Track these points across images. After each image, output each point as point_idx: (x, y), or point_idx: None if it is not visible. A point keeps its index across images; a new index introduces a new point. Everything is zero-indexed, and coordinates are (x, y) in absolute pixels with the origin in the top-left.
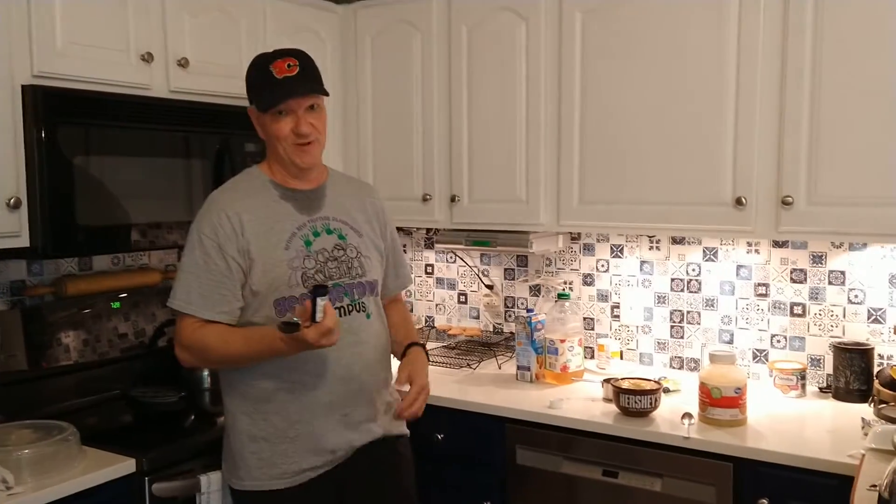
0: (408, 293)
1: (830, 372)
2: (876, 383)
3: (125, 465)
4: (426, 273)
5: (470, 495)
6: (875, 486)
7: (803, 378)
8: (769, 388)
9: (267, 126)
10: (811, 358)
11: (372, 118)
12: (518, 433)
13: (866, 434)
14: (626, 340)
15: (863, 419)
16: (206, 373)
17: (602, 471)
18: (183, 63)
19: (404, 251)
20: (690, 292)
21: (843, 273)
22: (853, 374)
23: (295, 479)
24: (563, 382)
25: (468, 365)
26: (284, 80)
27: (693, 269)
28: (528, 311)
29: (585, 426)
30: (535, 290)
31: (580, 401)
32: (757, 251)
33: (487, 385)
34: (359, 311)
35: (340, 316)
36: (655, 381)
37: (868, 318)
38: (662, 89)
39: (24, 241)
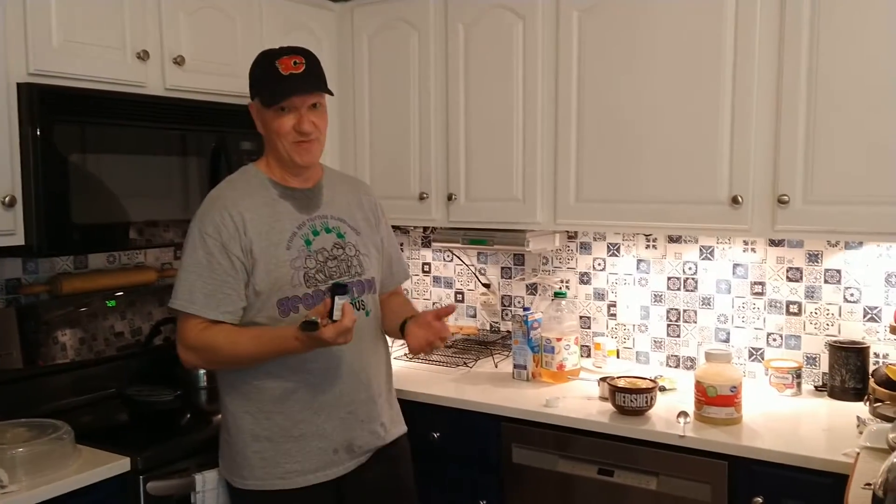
0: (405, 291)
1: (826, 370)
2: (871, 382)
3: (120, 464)
4: (423, 272)
5: (466, 494)
6: (870, 484)
7: (799, 376)
8: (765, 387)
9: (269, 122)
10: (807, 356)
11: (369, 116)
12: (514, 432)
13: (861, 433)
14: (623, 339)
15: (858, 418)
16: (201, 371)
17: (598, 469)
18: (179, 61)
19: (401, 249)
20: (687, 291)
21: (838, 272)
22: (849, 372)
23: (297, 480)
24: (559, 381)
25: (465, 363)
26: (290, 76)
27: (689, 268)
28: (525, 309)
29: (581, 425)
30: (532, 289)
31: (576, 399)
32: (753, 250)
33: (484, 384)
34: (359, 310)
35: None
36: (651, 380)
37: (864, 317)
38: (659, 88)
39: (19, 240)
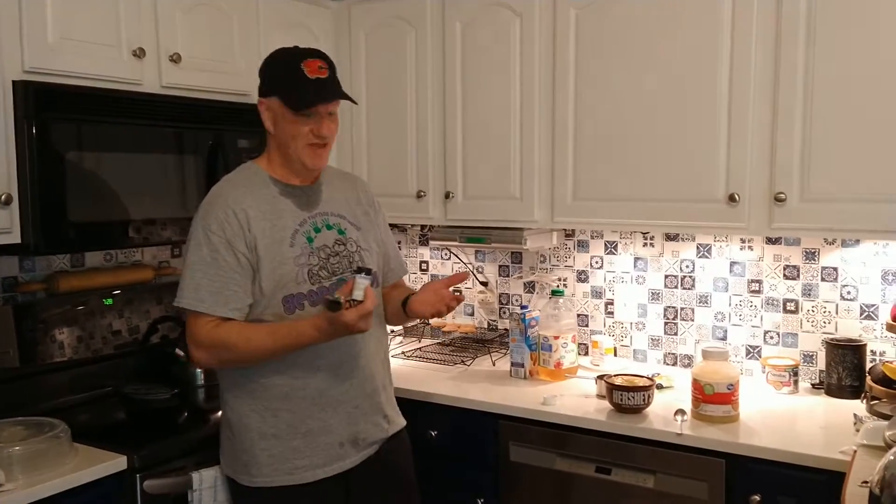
0: None
1: (823, 368)
2: (868, 379)
3: (116, 462)
4: (421, 270)
5: (463, 492)
6: (866, 482)
7: (796, 374)
8: (762, 385)
9: (285, 123)
10: (804, 354)
11: (366, 115)
12: (512, 430)
13: (858, 430)
14: (620, 337)
15: (855, 415)
16: (199, 370)
17: (595, 467)
18: (175, 59)
19: (399, 248)
20: (684, 289)
21: (835, 269)
22: (846, 370)
23: (305, 475)
24: (556, 379)
25: (462, 362)
26: (317, 80)
27: (687, 266)
28: (523, 307)
29: (579, 423)
30: (530, 287)
31: (574, 397)
32: (750, 248)
33: (481, 382)
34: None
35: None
36: (648, 378)
37: (861, 315)
38: (656, 86)
39: (15, 238)
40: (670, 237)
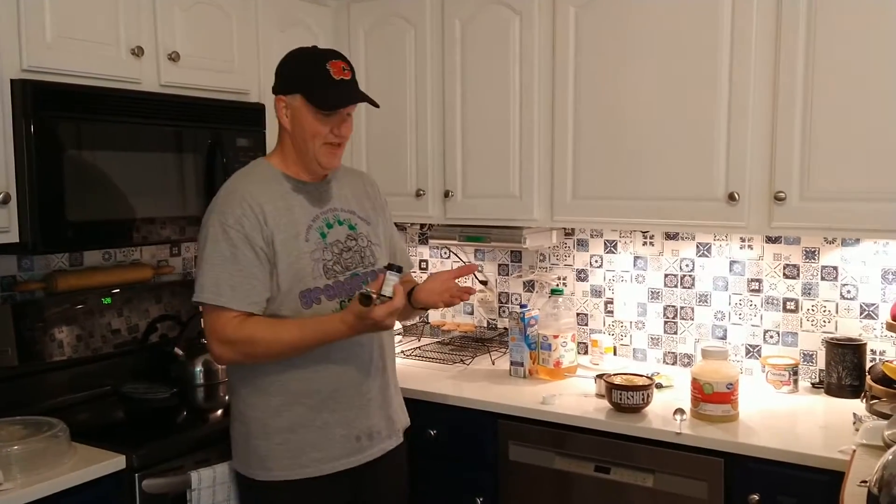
0: None
1: (823, 367)
2: (868, 379)
3: (115, 462)
4: (420, 268)
5: (462, 491)
6: (865, 481)
7: (795, 374)
8: (762, 384)
9: (305, 121)
10: (804, 353)
11: (365, 113)
12: (511, 429)
13: (858, 430)
14: (620, 336)
15: (854, 415)
16: (198, 369)
17: (594, 466)
18: (174, 57)
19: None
20: (684, 288)
21: (835, 268)
22: (845, 369)
23: (322, 467)
24: (556, 378)
25: (461, 361)
26: (342, 82)
27: (686, 265)
28: (522, 306)
29: (578, 422)
30: (529, 286)
31: (573, 397)
32: (750, 247)
33: (481, 381)
34: None
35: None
36: (648, 377)
37: (861, 314)
38: (656, 84)
39: (13, 237)
40: (670, 236)
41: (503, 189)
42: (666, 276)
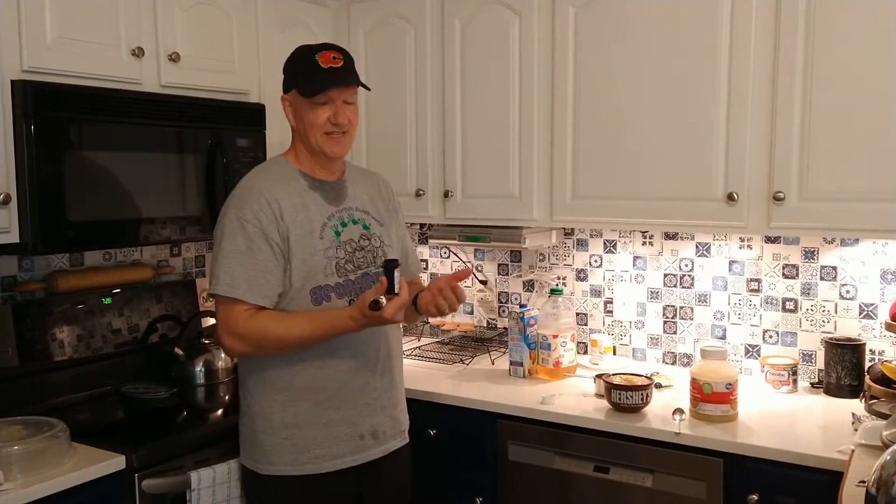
0: None
1: (822, 367)
2: (867, 379)
3: (115, 462)
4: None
5: (462, 491)
6: (864, 482)
7: (795, 373)
8: (761, 384)
9: (304, 113)
10: (803, 353)
11: (365, 113)
12: (510, 429)
13: (857, 430)
14: (619, 336)
15: (853, 415)
16: (198, 369)
17: (594, 466)
18: (174, 58)
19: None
20: (683, 288)
21: (834, 268)
22: (844, 369)
23: (326, 464)
24: (555, 378)
25: (461, 360)
26: (330, 69)
27: (686, 265)
28: (522, 306)
29: (577, 422)
30: (529, 286)
31: (572, 396)
32: (749, 246)
33: (480, 381)
34: None
35: None
36: (647, 377)
37: (860, 314)
38: (655, 85)
39: (14, 237)
40: (669, 236)
41: (503, 189)
42: (665, 275)
